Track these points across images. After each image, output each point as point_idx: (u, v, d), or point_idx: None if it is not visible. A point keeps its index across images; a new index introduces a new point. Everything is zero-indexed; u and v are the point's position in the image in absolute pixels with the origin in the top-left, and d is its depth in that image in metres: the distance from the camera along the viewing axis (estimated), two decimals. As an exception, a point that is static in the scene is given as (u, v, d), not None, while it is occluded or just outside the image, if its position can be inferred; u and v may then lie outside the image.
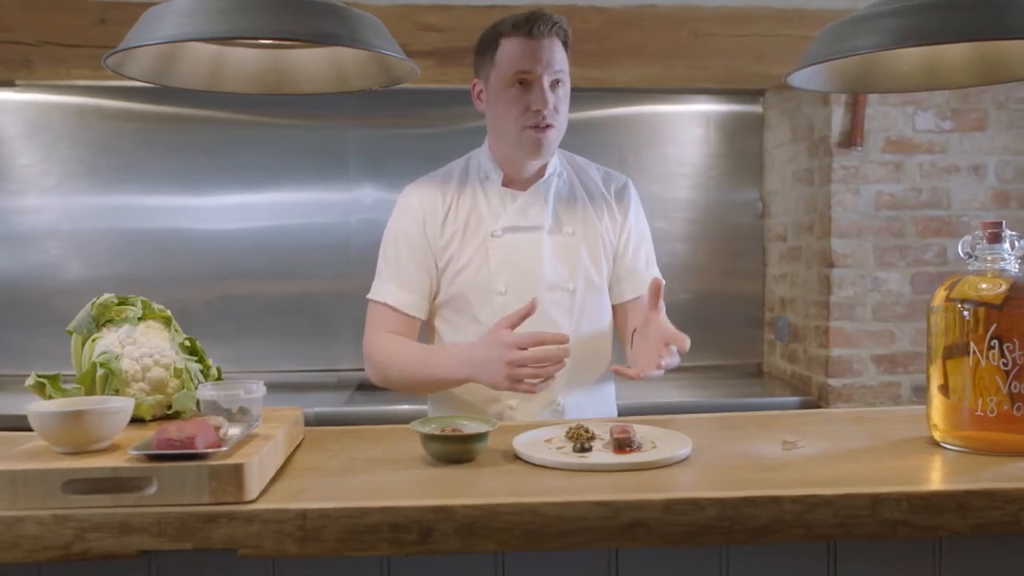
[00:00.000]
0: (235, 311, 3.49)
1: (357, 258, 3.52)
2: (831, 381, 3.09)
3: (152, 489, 1.10)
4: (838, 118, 3.03)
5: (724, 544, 1.18)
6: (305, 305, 3.56)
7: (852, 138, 3.01)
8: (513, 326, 1.65)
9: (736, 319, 3.74)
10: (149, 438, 1.17)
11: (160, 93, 3.37)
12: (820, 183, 3.14)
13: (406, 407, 2.95)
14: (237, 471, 1.10)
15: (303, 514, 1.09)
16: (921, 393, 3.01)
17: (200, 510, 1.08)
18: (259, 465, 1.16)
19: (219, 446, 1.16)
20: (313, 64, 1.52)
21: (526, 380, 1.63)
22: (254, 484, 1.13)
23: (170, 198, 3.48)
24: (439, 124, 3.52)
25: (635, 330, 1.80)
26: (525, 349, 1.62)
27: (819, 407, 3.10)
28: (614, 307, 1.98)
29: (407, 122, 3.53)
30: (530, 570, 1.21)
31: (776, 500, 1.12)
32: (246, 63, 1.51)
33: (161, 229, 3.48)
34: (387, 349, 1.85)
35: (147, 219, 3.48)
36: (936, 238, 3.08)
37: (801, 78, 1.49)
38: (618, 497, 1.11)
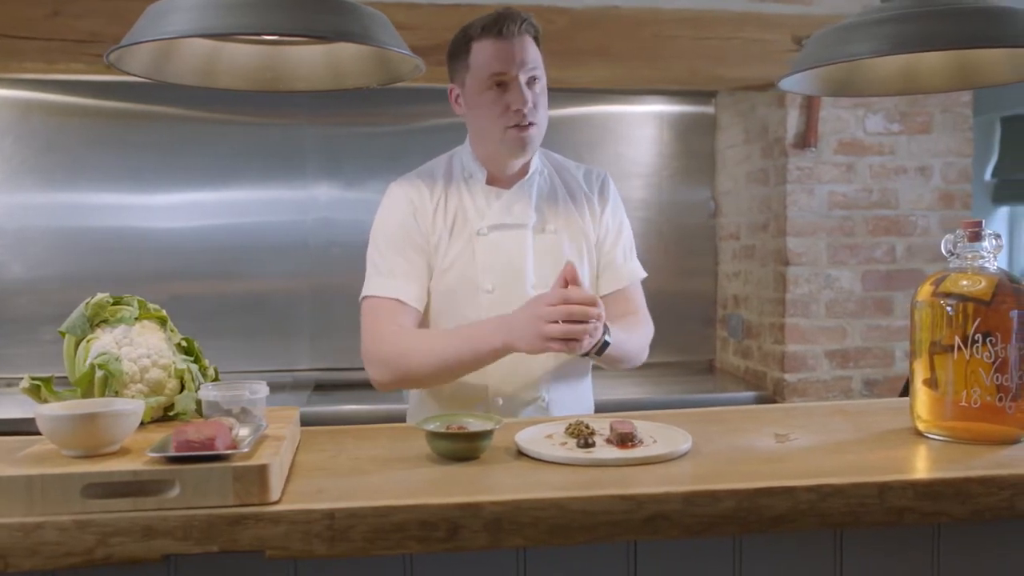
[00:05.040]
0: (188, 311, 3.34)
1: (314, 257, 3.49)
2: (787, 376, 3.18)
3: (174, 492, 1.08)
4: (793, 120, 3.12)
5: (740, 534, 1.21)
6: (260, 305, 3.51)
7: (806, 139, 3.10)
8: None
9: (688, 316, 3.81)
10: (164, 440, 1.15)
11: (108, 88, 3.30)
12: (775, 183, 3.22)
13: (371, 407, 2.94)
14: (262, 472, 1.09)
15: (331, 514, 1.08)
16: (871, 387, 3.13)
17: (226, 512, 1.07)
18: (279, 466, 1.15)
19: (235, 447, 1.15)
20: (309, 61, 1.51)
21: (558, 338, 1.60)
22: (277, 485, 1.12)
23: (119, 196, 3.41)
24: (397, 122, 3.51)
25: None
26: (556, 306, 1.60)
27: (775, 402, 3.19)
28: (596, 300, 2.01)
29: (365, 120, 3.51)
30: (552, 564, 1.22)
31: (790, 490, 1.16)
32: (241, 60, 1.48)
33: (110, 228, 3.40)
34: (403, 340, 1.79)
35: (95, 218, 3.39)
36: (885, 237, 3.19)
37: (791, 82, 1.53)
38: (640, 491, 1.14)
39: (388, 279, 1.83)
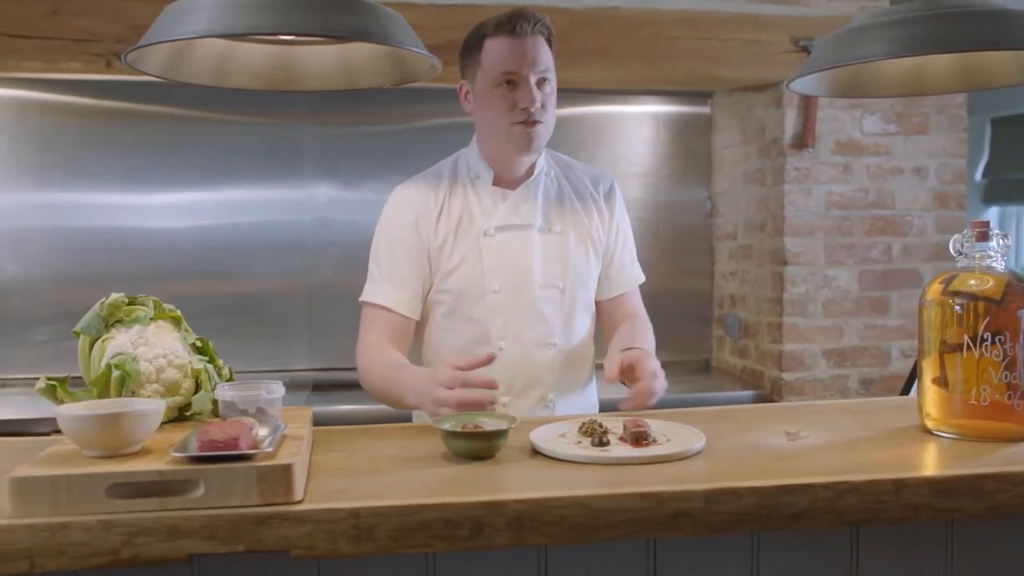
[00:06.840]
0: (185, 311, 3.35)
1: (311, 257, 3.49)
2: (785, 375, 3.19)
3: (199, 491, 1.08)
4: (791, 120, 3.14)
5: (760, 531, 1.22)
6: (258, 305, 3.50)
7: (804, 140, 3.12)
8: (460, 369, 1.55)
9: (684, 316, 3.82)
10: (186, 439, 1.15)
11: (105, 88, 3.28)
12: (773, 183, 3.24)
13: (369, 407, 2.91)
14: (286, 471, 1.09)
15: (356, 513, 1.09)
16: (868, 386, 3.15)
17: (252, 512, 1.07)
18: (302, 465, 1.15)
19: (256, 447, 1.15)
20: (322, 61, 1.51)
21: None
22: (300, 484, 1.13)
23: (116, 196, 3.39)
24: (396, 122, 3.50)
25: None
26: (453, 389, 1.52)
27: (772, 400, 3.21)
28: (599, 302, 2.02)
29: (364, 120, 3.49)
30: (571, 561, 1.23)
31: (809, 487, 1.17)
32: (255, 60, 1.48)
33: (106, 228, 3.38)
34: (370, 355, 1.83)
35: (92, 217, 3.37)
36: (882, 236, 3.22)
37: (801, 83, 1.55)
38: (662, 488, 1.15)
39: (381, 286, 1.86)
